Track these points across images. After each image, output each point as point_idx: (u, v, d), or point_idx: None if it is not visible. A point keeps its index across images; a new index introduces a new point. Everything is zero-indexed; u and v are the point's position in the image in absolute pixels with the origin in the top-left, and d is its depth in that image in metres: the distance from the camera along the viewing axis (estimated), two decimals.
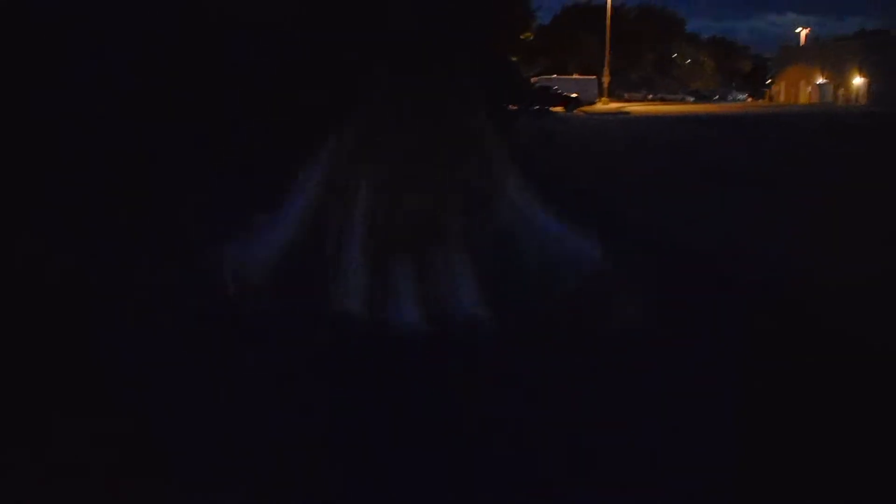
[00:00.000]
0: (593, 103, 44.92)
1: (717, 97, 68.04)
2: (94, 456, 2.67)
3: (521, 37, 46.68)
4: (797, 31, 73.21)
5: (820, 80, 61.58)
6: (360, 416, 2.81)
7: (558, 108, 34.88)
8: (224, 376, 3.30)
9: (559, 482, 2.46)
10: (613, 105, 47.84)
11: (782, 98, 66.54)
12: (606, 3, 54.98)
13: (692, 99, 65.19)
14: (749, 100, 69.30)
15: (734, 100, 68.34)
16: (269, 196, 3.24)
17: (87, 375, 3.32)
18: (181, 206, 4.96)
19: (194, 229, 4.58)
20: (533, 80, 48.48)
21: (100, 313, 3.93)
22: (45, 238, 4.42)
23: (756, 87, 74.07)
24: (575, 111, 36.56)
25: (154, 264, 4.42)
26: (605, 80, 53.50)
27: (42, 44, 4.90)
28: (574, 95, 39.67)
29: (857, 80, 56.31)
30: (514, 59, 48.61)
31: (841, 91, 58.57)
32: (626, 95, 61.62)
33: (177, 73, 5.22)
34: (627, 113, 37.10)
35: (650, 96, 63.92)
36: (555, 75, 49.23)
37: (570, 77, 48.83)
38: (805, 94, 63.51)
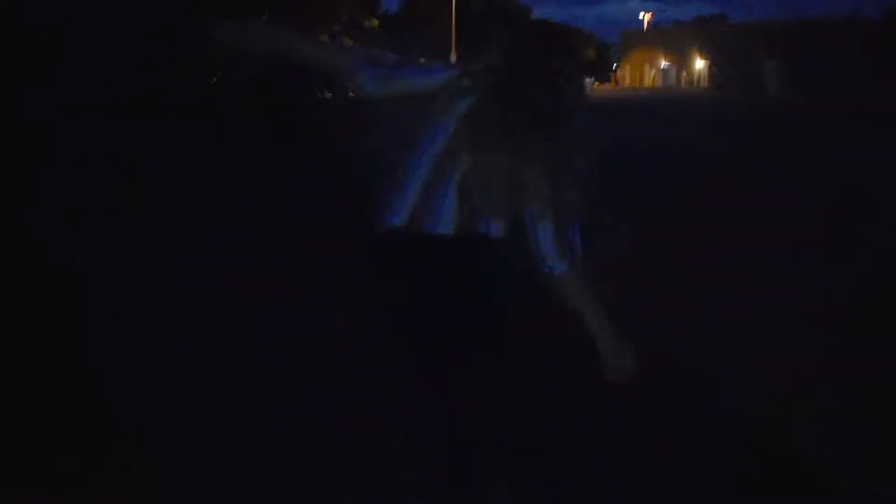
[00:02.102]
0: None
1: None
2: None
3: (365, 24, 44.60)
4: (641, 16, 74.57)
5: (664, 64, 62.73)
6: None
7: None
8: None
9: None
10: None
11: (628, 82, 67.46)
12: None
13: None
14: (595, 84, 69.83)
15: None
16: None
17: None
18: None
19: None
20: None
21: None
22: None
23: (602, 72, 74.96)
24: None
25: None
26: None
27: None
28: None
29: (699, 64, 57.56)
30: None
31: (684, 74, 59.80)
32: None
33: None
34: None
35: None
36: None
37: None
38: (650, 78, 64.62)
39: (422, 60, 2.34)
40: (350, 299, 3.66)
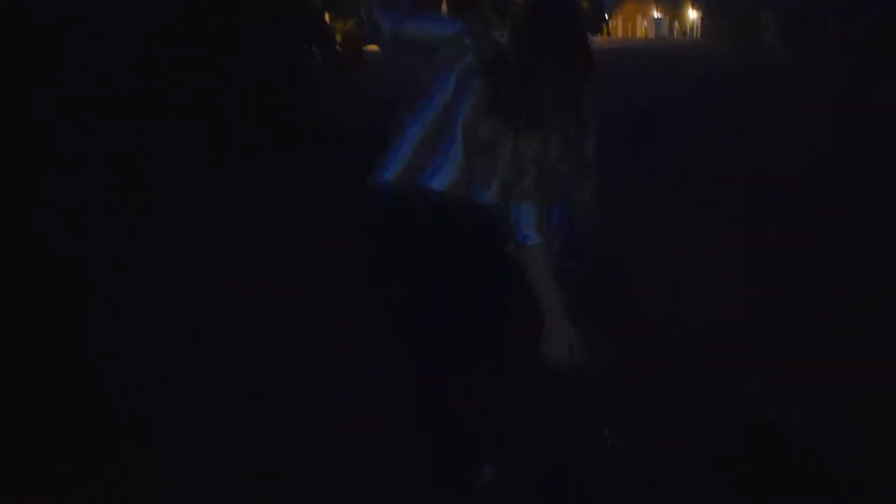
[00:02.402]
0: None
1: None
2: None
3: None
4: None
5: (656, 15, 62.04)
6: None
7: None
8: None
9: None
10: None
11: (620, 33, 66.75)
12: None
13: None
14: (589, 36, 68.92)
15: None
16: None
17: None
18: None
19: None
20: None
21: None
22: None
23: (594, 23, 74.03)
24: None
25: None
26: None
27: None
28: None
29: (692, 15, 56.91)
30: None
31: (676, 25, 59.18)
32: None
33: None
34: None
35: None
36: None
37: None
38: (642, 29, 63.97)
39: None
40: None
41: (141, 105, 5.36)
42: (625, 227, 5.25)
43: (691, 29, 57.03)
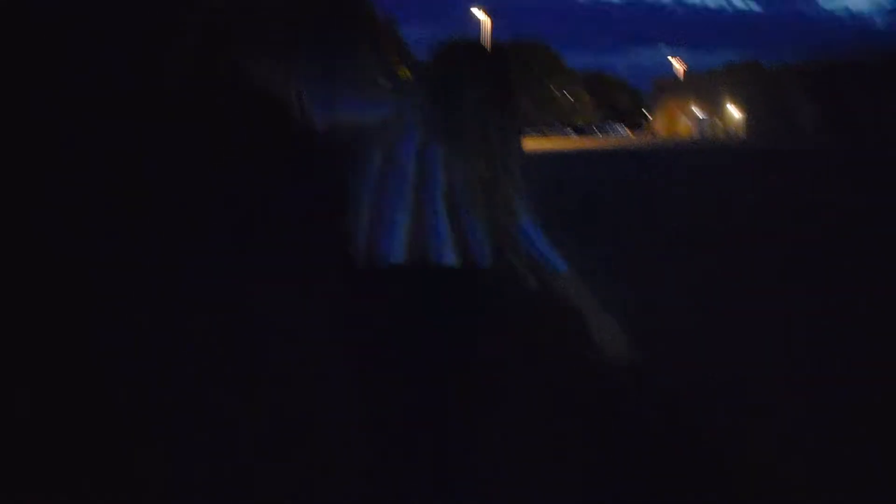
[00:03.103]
0: None
1: (597, 132, 67.72)
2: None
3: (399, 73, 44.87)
4: (672, 63, 74.53)
5: (699, 114, 62.25)
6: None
7: None
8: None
9: None
10: None
11: (662, 132, 67.04)
12: (482, 39, 53.70)
13: (574, 134, 64.64)
14: (630, 134, 69.44)
15: (616, 134, 68.13)
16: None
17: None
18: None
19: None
20: None
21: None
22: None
23: (635, 119, 74.78)
24: None
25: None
26: None
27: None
28: None
29: (735, 113, 56.94)
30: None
31: (720, 123, 59.23)
32: None
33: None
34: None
35: (530, 132, 62.71)
36: None
37: None
38: (684, 127, 64.17)
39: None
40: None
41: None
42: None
43: (735, 128, 56.87)
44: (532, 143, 41.82)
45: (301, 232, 3.31)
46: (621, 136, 66.17)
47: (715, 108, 59.62)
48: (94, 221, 4.84)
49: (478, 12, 44.47)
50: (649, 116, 72.30)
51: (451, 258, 2.09)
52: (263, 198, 5.72)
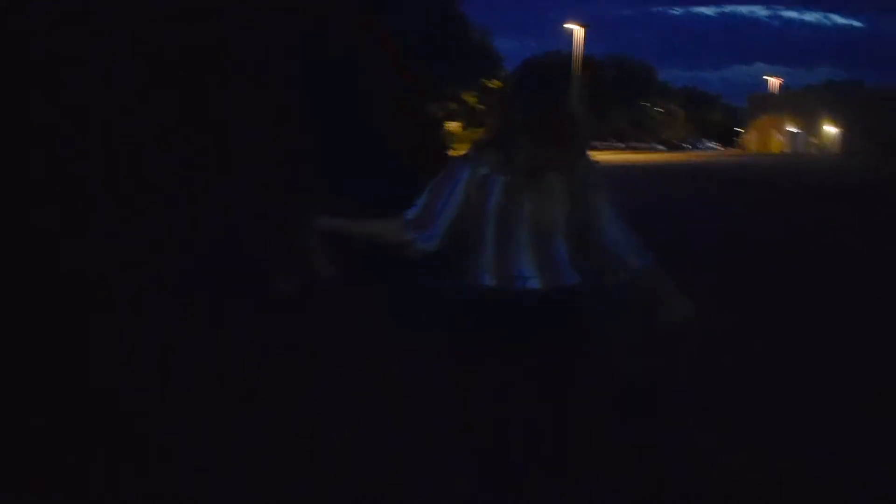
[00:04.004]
0: None
1: (688, 147, 67.32)
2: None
3: (489, 84, 45.68)
4: (767, 80, 73.17)
5: (792, 129, 61.04)
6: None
7: None
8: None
9: None
10: None
11: (753, 147, 66.00)
12: (574, 53, 54.12)
13: (662, 147, 64.38)
14: (721, 148, 68.68)
15: (705, 149, 67.55)
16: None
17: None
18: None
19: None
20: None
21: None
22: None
23: (727, 135, 73.66)
24: None
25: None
26: None
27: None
28: None
29: (831, 130, 55.78)
30: (481, 106, 47.43)
31: (814, 140, 58.01)
32: (596, 145, 60.59)
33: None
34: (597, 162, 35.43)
35: (622, 146, 62.90)
36: None
37: None
38: (776, 143, 62.98)
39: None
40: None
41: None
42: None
43: (829, 144, 55.69)
44: (613, 156, 41.61)
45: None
46: (711, 150, 65.66)
47: (810, 125, 58.48)
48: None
49: (572, 25, 44.84)
50: (743, 132, 71.11)
51: (536, 282, 2.29)
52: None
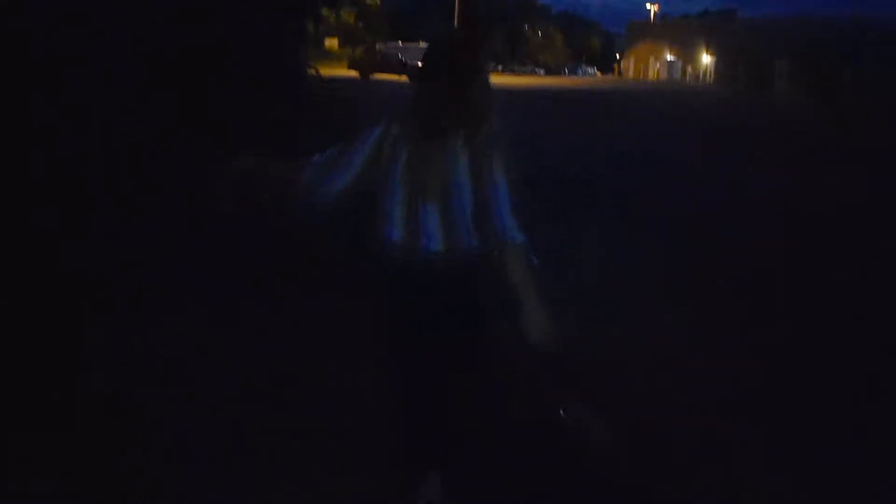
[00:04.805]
0: None
1: (566, 71, 66.86)
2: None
3: (367, 1, 43.62)
4: (647, 7, 73.35)
5: (669, 58, 61.67)
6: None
7: (403, 77, 33.75)
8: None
9: None
10: None
11: (631, 74, 66.47)
12: None
13: (542, 72, 63.77)
14: (598, 74, 68.70)
15: (584, 74, 67.29)
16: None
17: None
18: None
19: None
20: (378, 46, 45.43)
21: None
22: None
23: (605, 62, 73.98)
24: None
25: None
26: None
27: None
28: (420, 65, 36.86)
29: (705, 59, 56.52)
30: (360, 24, 45.85)
31: (689, 69, 58.78)
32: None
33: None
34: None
35: (500, 68, 61.61)
36: (400, 42, 46.02)
37: (416, 45, 44.99)
38: (654, 71, 63.64)
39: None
40: (349, 298, 3.94)
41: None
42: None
43: (704, 73, 56.50)
44: (500, 80, 41.27)
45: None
46: (590, 76, 65.47)
47: (687, 54, 59.12)
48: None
49: None
50: (621, 59, 71.54)
51: (437, 243, 2.27)
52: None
